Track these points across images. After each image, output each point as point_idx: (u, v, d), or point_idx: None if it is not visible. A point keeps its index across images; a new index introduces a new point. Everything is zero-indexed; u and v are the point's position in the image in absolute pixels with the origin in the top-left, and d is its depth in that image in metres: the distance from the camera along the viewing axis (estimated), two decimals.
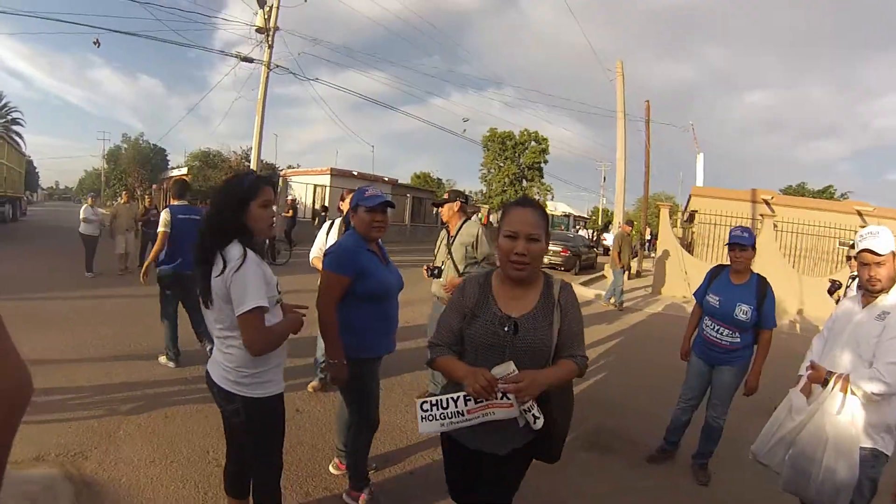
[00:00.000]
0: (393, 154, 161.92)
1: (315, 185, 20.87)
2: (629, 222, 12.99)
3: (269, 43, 16.26)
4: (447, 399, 1.78)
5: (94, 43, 14.43)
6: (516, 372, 1.67)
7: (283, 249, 13.38)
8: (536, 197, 38.61)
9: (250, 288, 1.92)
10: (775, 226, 13.23)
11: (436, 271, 4.12)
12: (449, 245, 4.15)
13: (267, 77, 16.48)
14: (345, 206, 4.07)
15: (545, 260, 14.99)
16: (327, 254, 2.65)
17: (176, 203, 5.21)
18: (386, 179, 27.07)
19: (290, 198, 18.12)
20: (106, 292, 8.47)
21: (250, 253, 1.99)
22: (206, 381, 2.21)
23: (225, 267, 1.93)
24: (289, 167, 25.17)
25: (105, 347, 5.50)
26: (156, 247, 4.98)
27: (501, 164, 39.26)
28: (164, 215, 4.94)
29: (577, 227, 34.23)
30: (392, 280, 2.78)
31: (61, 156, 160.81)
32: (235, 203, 2.01)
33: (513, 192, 37.43)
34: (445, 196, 4.26)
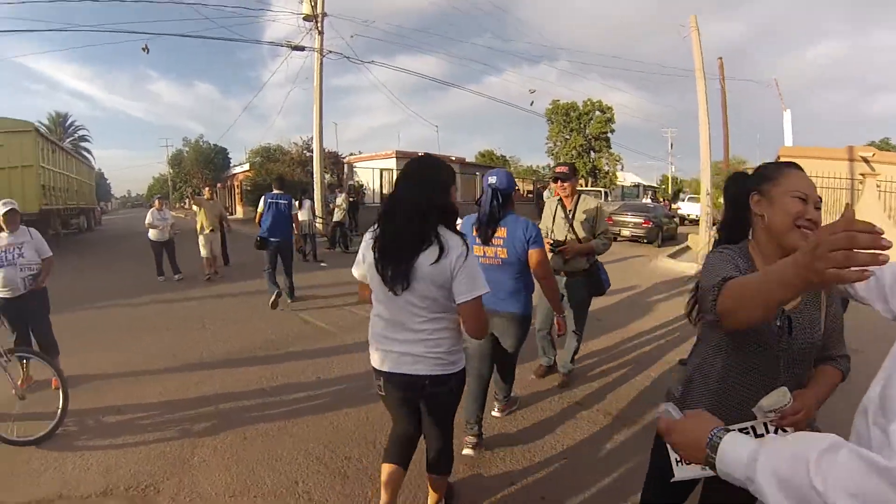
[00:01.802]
0: (453, 134, 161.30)
1: (381, 170, 20.33)
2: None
3: (319, 29, 15.91)
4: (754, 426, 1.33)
5: (143, 49, 14.43)
6: (791, 401, 1.27)
7: (353, 237, 12.86)
8: (605, 168, 37.14)
9: (479, 276, 1.93)
10: (878, 185, 11.43)
11: (558, 245, 3.93)
12: (569, 220, 4.03)
13: (321, 64, 16.11)
14: None
15: (626, 233, 13.74)
16: (532, 235, 2.94)
17: (273, 192, 7.32)
18: (453, 158, 26.20)
19: (350, 183, 17.65)
20: (176, 297, 8.08)
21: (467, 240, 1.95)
22: (400, 384, 2.12)
23: (442, 253, 1.86)
24: (350, 154, 24.73)
25: (175, 357, 5.05)
26: (257, 219, 7.16)
27: (567, 137, 37.57)
28: (261, 202, 7.12)
29: (647, 196, 32.36)
30: None
31: (130, 165, 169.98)
32: (443, 187, 1.99)
33: (581, 164, 35.76)
34: (560, 171, 4.10)
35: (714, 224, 10.28)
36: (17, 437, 3.34)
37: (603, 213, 4.07)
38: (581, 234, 4.00)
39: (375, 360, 2.14)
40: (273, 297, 6.88)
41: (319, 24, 15.79)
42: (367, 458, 3.13)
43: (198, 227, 9.44)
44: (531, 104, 31.87)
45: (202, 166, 38.79)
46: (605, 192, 25.58)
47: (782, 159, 16.62)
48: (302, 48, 16.03)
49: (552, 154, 38.92)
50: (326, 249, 12.76)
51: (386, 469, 2.30)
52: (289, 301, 7.20)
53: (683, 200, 30.67)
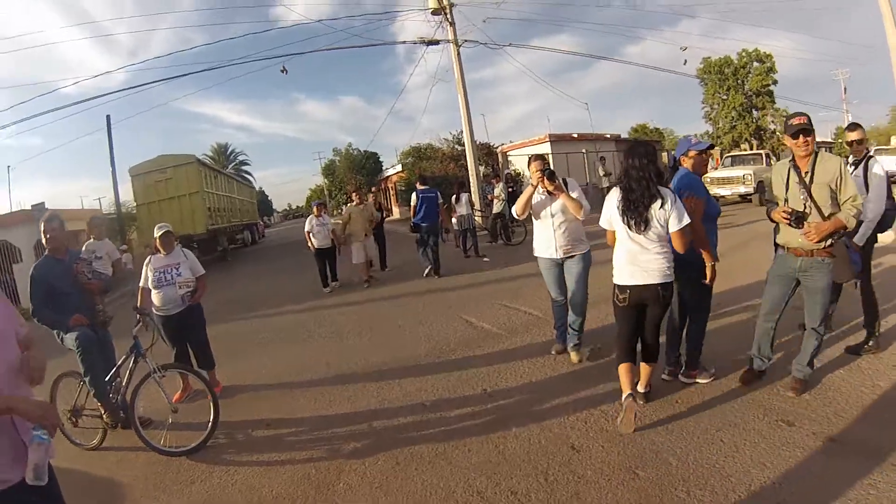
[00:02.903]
0: (601, 112, 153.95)
1: (536, 155, 19.54)
2: None
3: (450, 20, 15.67)
4: None
5: (282, 70, 14.93)
6: None
7: (515, 228, 12.14)
8: (772, 126, 32.33)
9: (683, 212, 2.92)
10: None
11: (798, 218, 3.06)
12: (807, 185, 3.11)
13: (458, 54, 15.83)
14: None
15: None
16: (681, 188, 3.26)
17: (420, 187, 9.06)
18: (608, 136, 24.83)
19: (507, 172, 17.03)
20: (333, 303, 8.00)
21: None
22: (642, 293, 3.01)
23: (664, 203, 2.88)
24: (502, 144, 24.20)
25: (329, 367, 4.86)
26: (412, 211, 8.97)
27: (725, 97, 33.27)
28: (413, 197, 8.93)
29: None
30: None
31: (288, 181, 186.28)
32: (654, 158, 2.98)
33: (743, 125, 31.59)
34: (799, 121, 3.07)
35: None
36: (169, 447, 3.45)
37: (848, 173, 3.09)
38: (825, 204, 3.06)
39: (623, 277, 3.05)
40: (427, 270, 8.91)
41: (449, 15, 15.56)
42: (537, 495, 2.49)
43: (347, 232, 9.07)
44: (684, 63, 28.94)
45: (354, 172, 40.56)
46: (770, 156, 21.48)
47: None
48: (436, 42, 15.94)
49: (710, 119, 34.85)
50: (489, 243, 11.97)
51: (623, 368, 3.06)
52: (435, 277, 8.75)
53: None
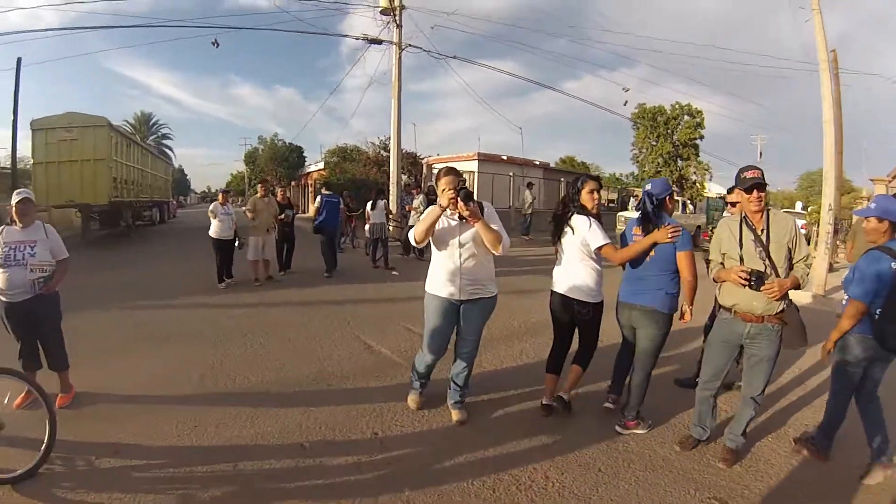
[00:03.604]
0: (532, 140, 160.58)
1: (462, 172, 19.34)
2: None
3: (398, 22, 15.18)
4: None
5: (213, 43, 13.97)
6: None
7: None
8: (694, 177, 34.26)
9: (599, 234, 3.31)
10: None
11: (759, 278, 2.78)
12: (764, 244, 2.88)
13: (399, 58, 15.31)
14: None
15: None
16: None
17: (324, 192, 9.84)
18: (537, 163, 25.05)
19: (430, 184, 16.68)
20: (223, 302, 7.01)
21: None
22: (560, 304, 3.45)
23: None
24: (428, 156, 23.93)
25: (202, 381, 4.08)
26: (313, 213, 9.55)
27: (654, 143, 35.03)
28: (318, 199, 9.53)
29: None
30: None
31: (211, 163, 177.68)
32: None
33: (668, 172, 33.26)
34: (752, 174, 2.86)
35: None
36: None
37: (801, 231, 2.97)
38: (782, 264, 2.85)
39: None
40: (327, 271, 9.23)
41: (398, 17, 15.09)
42: None
43: (253, 226, 8.32)
44: (625, 103, 29.98)
45: (276, 164, 39.02)
46: (688, 203, 22.88)
47: None
48: (380, 42, 15.37)
49: (637, 161, 36.60)
50: (400, 256, 11.39)
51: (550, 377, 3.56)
52: (325, 275, 9.09)
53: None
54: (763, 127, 43.10)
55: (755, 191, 2.80)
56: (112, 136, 15.26)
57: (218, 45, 13.82)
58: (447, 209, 3.06)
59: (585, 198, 3.38)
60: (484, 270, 3.28)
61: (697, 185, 33.99)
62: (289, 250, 9.42)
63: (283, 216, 9.00)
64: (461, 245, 3.18)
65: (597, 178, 3.61)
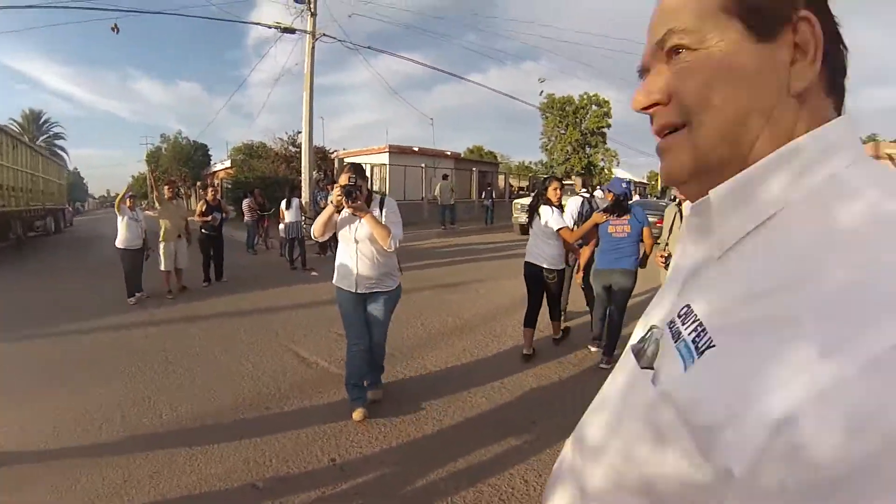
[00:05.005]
0: (440, 132, 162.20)
1: (372, 165, 18.88)
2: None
3: (313, 11, 14.56)
4: None
5: (113, 29, 12.63)
6: None
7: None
8: (601, 164, 36.04)
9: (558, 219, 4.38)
10: None
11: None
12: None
13: (313, 48, 14.69)
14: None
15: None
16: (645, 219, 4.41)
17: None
18: (448, 154, 24.80)
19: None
20: (136, 320, 6.21)
21: None
22: (532, 271, 4.47)
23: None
24: (336, 151, 23.40)
25: (125, 419, 3.52)
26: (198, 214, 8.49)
27: (563, 132, 36.34)
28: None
29: (636, 194, 31.55)
30: None
31: (109, 165, 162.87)
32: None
33: (577, 159, 34.63)
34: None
35: None
36: None
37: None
38: None
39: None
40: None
41: (312, 6, 14.46)
42: None
43: (161, 233, 7.59)
44: (541, 93, 30.65)
45: (180, 164, 36.99)
46: (592, 189, 23.95)
47: None
48: (293, 31, 14.64)
49: (546, 150, 37.83)
50: (317, 255, 10.82)
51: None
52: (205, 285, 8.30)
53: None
54: None
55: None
56: None
57: (118, 30, 12.52)
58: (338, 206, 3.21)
59: (550, 193, 4.43)
60: (381, 265, 3.37)
61: (605, 170, 35.94)
62: (217, 258, 8.64)
63: (209, 219, 8.30)
64: (357, 241, 3.31)
65: (559, 179, 4.68)
